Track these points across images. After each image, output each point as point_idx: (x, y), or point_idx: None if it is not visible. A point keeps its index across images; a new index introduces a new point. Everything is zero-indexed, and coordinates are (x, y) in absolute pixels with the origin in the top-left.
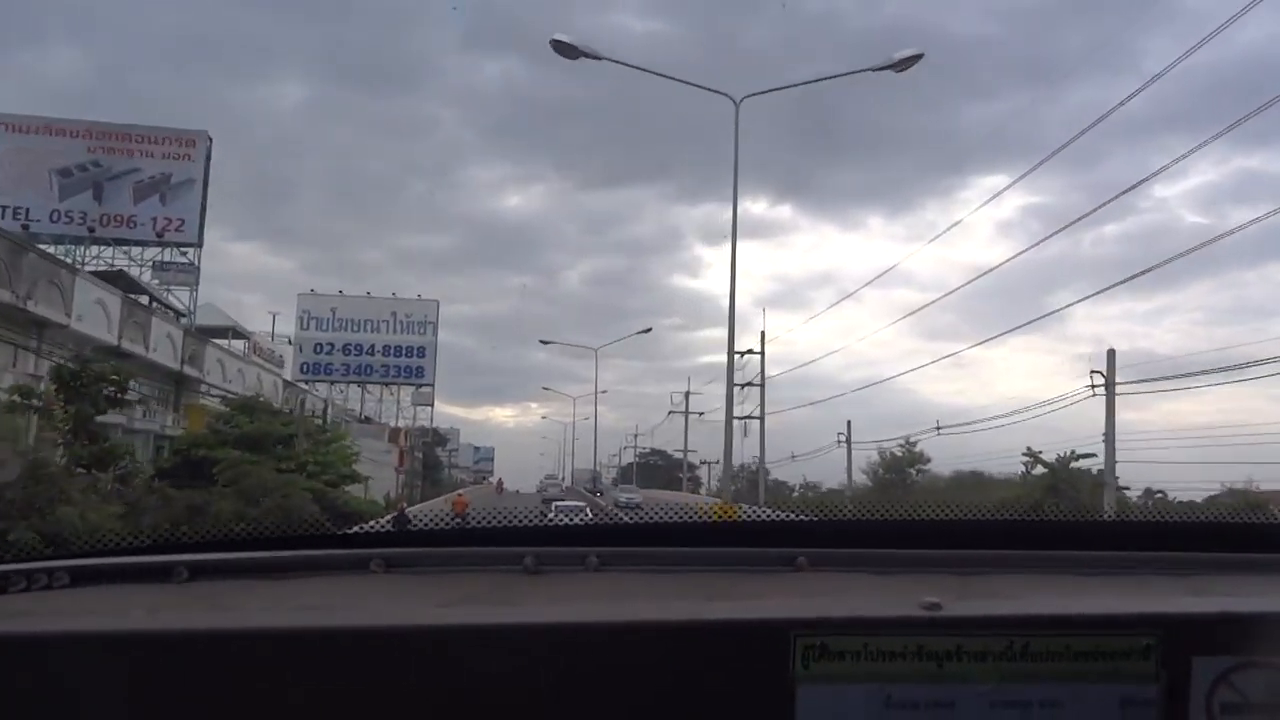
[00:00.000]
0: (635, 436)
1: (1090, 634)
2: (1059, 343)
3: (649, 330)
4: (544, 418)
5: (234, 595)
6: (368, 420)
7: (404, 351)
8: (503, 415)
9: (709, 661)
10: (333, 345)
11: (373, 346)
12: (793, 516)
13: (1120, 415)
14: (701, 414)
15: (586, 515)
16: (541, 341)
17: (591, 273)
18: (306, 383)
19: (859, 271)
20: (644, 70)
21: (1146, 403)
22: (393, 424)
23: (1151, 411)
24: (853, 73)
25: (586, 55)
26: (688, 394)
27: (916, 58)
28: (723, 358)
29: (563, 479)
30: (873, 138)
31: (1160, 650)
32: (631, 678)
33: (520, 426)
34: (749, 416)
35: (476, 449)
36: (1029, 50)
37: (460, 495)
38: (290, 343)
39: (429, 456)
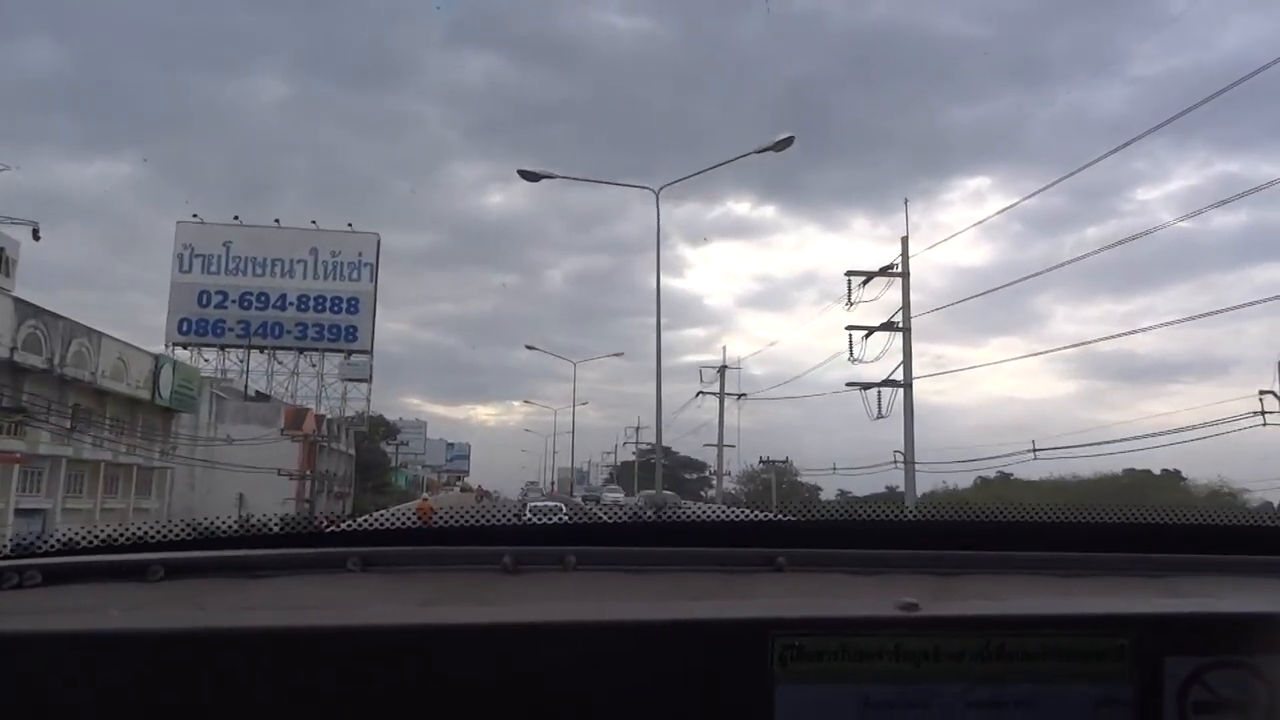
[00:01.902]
0: (636, 429)
1: (1065, 634)
2: (1039, 343)
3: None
4: (527, 401)
5: (210, 594)
6: (260, 396)
7: (329, 304)
8: (485, 414)
9: (687, 661)
10: (225, 295)
11: (283, 297)
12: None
13: (1099, 415)
14: (744, 395)
15: (562, 515)
16: (529, 347)
17: (575, 272)
18: (186, 347)
19: (841, 272)
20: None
21: (1126, 402)
22: (314, 407)
23: (1130, 411)
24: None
25: (546, 177)
26: (723, 368)
27: (789, 140)
28: (707, 357)
29: (552, 484)
30: (858, 138)
31: (1134, 650)
32: (609, 677)
33: (502, 425)
34: (887, 383)
35: (450, 445)
36: (1016, 52)
37: (425, 501)
38: None
39: (367, 453)
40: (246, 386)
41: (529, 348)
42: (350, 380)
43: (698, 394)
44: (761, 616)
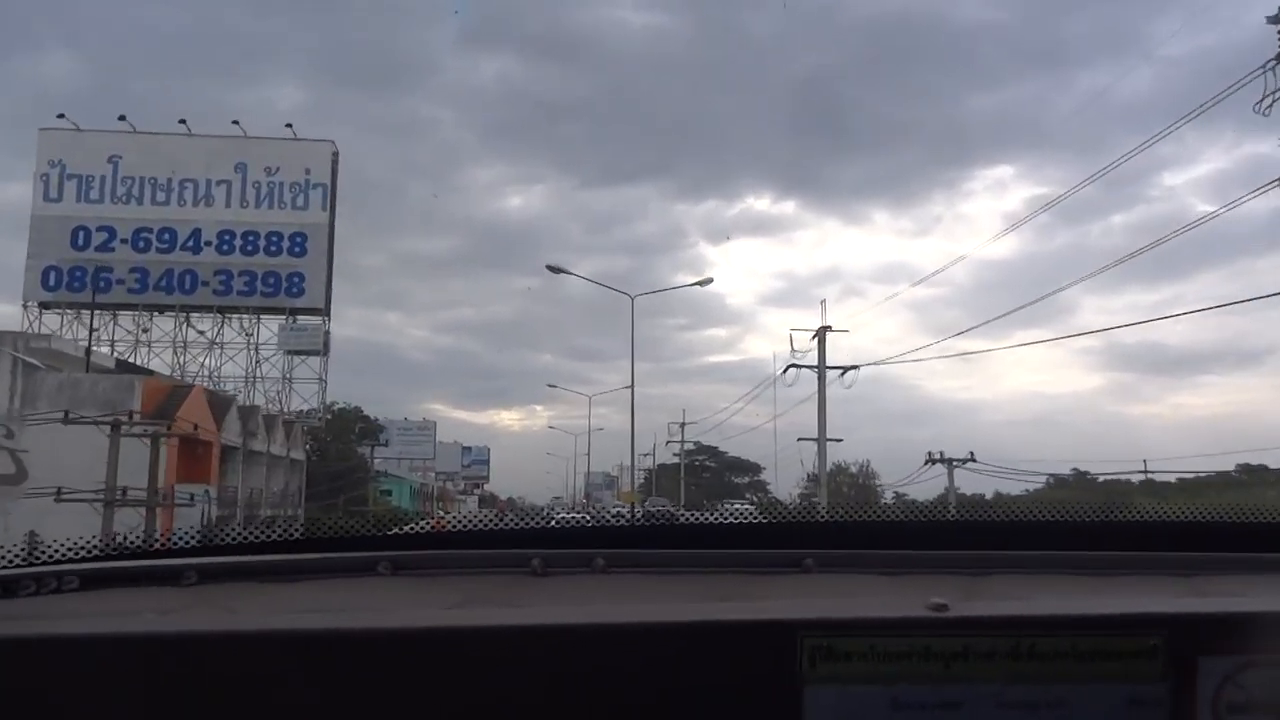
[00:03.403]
0: (681, 425)
1: (1097, 634)
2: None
3: None
4: (551, 385)
5: (243, 598)
6: (126, 367)
7: (261, 244)
8: (509, 418)
9: (716, 662)
10: (112, 231)
11: (196, 233)
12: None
13: (1128, 409)
14: (847, 370)
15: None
16: (549, 268)
17: (595, 273)
18: (54, 307)
19: (864, 267)
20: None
21: (1155, 395)
22: (245, 391)
23: (1160, 404)
24: None
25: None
26: (823, 330)
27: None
28: (730, 357)
29: (585, 494)
30: (877, 130)
31: (1167, 650)
32: (638, 679)
33: (526, 430)
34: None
35: (466, 449)
36: (1035, 36)
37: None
38: None
39: (336, 459)
40: (89, 353)
41: (550, 268)
42: (295, 353)
43: (786, 368)
44: (790, 618)
